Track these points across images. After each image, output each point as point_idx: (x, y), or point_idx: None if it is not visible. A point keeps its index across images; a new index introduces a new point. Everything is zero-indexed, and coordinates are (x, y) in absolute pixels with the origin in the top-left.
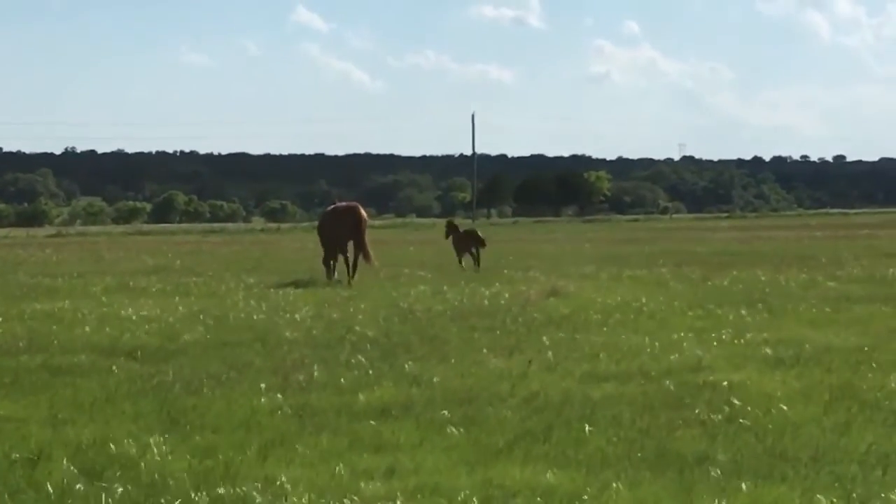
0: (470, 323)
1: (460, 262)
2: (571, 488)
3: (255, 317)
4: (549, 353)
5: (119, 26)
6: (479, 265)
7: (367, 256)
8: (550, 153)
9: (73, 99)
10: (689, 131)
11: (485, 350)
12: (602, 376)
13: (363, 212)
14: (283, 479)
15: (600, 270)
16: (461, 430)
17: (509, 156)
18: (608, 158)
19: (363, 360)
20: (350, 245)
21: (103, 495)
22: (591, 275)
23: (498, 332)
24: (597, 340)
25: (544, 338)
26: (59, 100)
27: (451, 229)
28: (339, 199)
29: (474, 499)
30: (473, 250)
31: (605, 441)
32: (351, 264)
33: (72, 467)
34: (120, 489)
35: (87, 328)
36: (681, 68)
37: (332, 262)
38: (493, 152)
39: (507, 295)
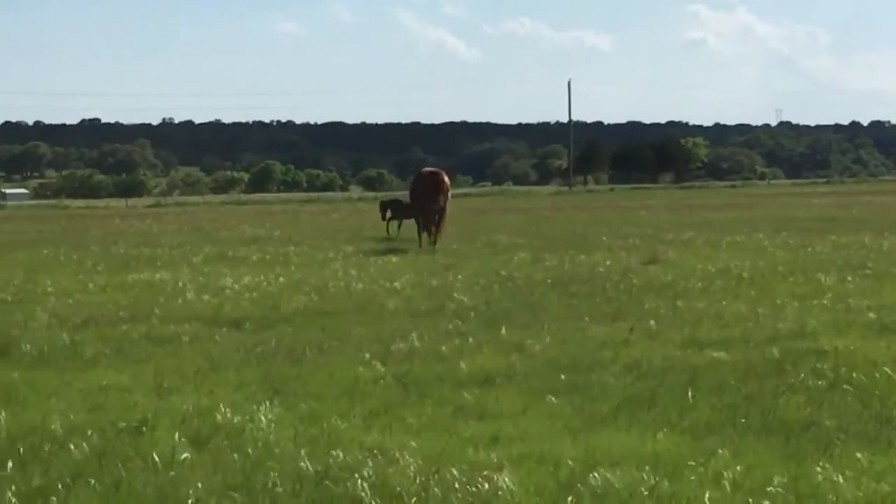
0: (570, 290)
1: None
2: (676, 455)
3: (354, 286)
4: (651, 321)
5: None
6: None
7: (440, 221)
8: (647, 120)
9: (170, 70)
10: (785, 96)
11: (585, 318)
12: (704, 343)
13: (445, 178)
14: (390, 446)
15: (699, 237)
16: (564, 397)
17: (605, 123)
18: (705, 125)
19: (464, 328)
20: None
21: (211, 463)
22: (689, 241)
23: (598, 300)
24: (698, 307)
25: (645, 305)
26: (157, 71)
27: (390, 206)
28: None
29: (579, 466)
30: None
31: (709, 408)
32: (435, 230)
33: (178, 436)
34: (226, 458)
35: (189, 298)
36: (777, 32)
37: (420, 228)
38: (589, 119)
39: (606, 262)
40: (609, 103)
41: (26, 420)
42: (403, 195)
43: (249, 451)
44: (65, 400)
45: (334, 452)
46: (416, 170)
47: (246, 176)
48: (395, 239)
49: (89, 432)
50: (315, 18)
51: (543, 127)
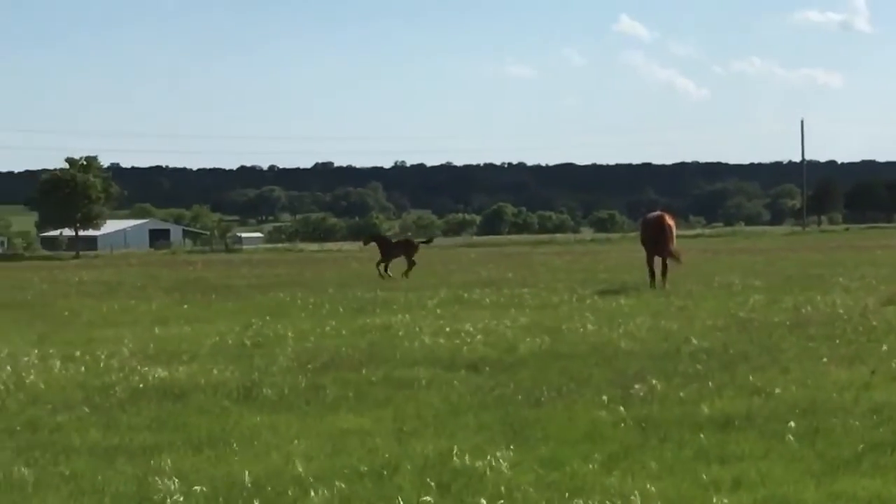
0: (808, 332)
1: (385, 268)
2: None
3: (589, 328)
4: (893, 363)
5: (444, 41)
6: (408, 271)
7: (669, 259)
8: (881, 158)
9: (402, 113)
10: None
11: (824, 359)
12: None
13: (669, 221)
14: (630, 491)
15: None
16: (805, 441)
17: (838, 161)
18: None
19: (703, 370)
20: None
21: None
22: None
23: (837, 342)
24: None
25: (884, 346)
26: (389, 114)
27: (376, 239)
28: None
29: None
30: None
31: None
32: (659, 272)
33: (422, 480)
34: (469, 503)
35: (426, 341)
36: None
37: (650, 268)
38: (822, 158)
39: (844, 303)
40: (842, 141)
41: (270, 464)
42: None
43: (490, 496)
44: (307, 443)
45: (575, 497)
46: (647, 211)
47: (477, 218)
48: (385, 278)
49: (333, 478)
50: (546, 62)
51: (776, 166)
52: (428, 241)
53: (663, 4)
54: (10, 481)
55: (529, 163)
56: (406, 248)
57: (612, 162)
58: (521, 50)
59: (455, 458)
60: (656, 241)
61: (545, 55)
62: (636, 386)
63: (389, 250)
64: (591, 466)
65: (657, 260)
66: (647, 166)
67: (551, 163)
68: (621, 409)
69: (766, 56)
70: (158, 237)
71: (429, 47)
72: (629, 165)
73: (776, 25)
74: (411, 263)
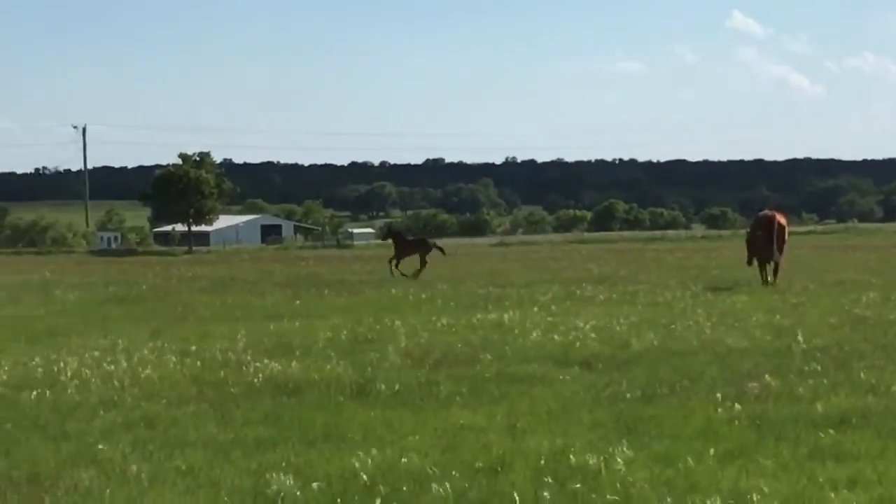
0: None
1: (396, 265)
2: None
3: (702, 325)
4: None
5: (556, 39)
6: (421, 270)
7: (777, 263)
8: None
9: (513, 109)
10: None
11: None
12: None
13: (781, 220)
14: (746, 489)
15: None
16: None
17: None
18: None
19: (818, 368)
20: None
21: None
22: None
23: None
24: None
25: None
26: (500, 110)
27: (393, 235)
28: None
29: None
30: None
31: None
32: (770, 270)
33: (537, 477)
34: (586, 500)
35: (538, 337)
36: None
37: (756, 264)
38: None
39: None
40: None
41: (385, 459)
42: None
43: (607, 493)
44: (421, 439)
45: (691, 495)
46: (760, 208)
47: (588, 214)
48: (395, 276)
49: (448, 473)
50: (658, 58)
51: (890, 163)
52: (442, 250)
53: (776, 1)
54: (127, 476)
55: (640, 159)
56: (419, 248)
57: (724, 158)
58: (632, 46)
59: (570, 456)
60: (766, 240)
61: (657, 51)
62: (750, 383)
63: (403, 248)
64: (706, 464)
65: (767, 257)
66: (759, 163)
67: (662, 159)
68: (736, 406)
69: (880, 52)
70: (270, 233)
71: (540, 44)
72: (741, 162)
73: (890, 22)
74: (423, 263)
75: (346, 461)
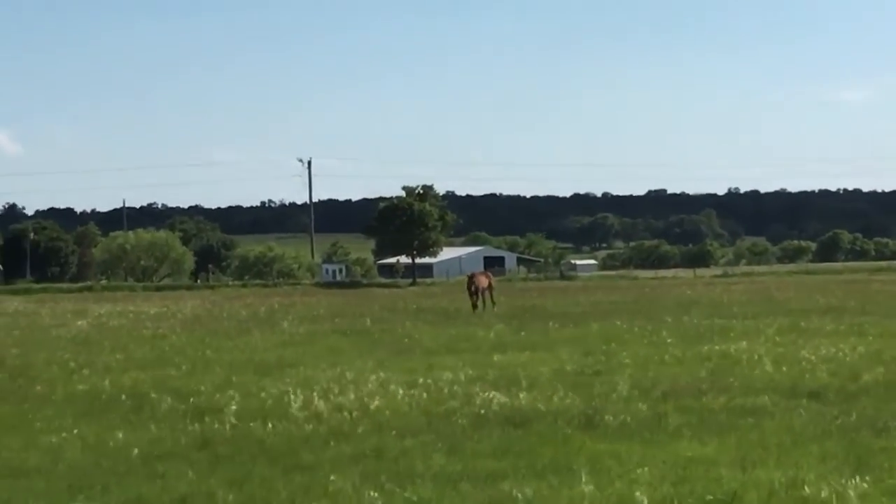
0: None
1: (474, 305)
2: None
3: None
4: None
5: (777, 64)
6: (483, 305)
7: None
8: None
9: (736, 140)
10: None
11: None
12: None
13: None
14: None
15: None
16: None
17: None
18: None
19: None
20: None
21: None
22: None
23: None
24: None
25: None
26: (722, 141)
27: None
28: None
29: None
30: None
31: None
32: None
33: None
34: None
35: (766, 369)
36: None
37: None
38: None
39: None
40: None
41: (613, 492)
42: None
43: None
44: (650, 471)
45: None
46: None
47: (813, 245)
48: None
49: None
50: (882, 86)
51: None
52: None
53: None
54: None
55: (865, 189)
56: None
57: None
58: (856, 74)
59: (803, 489)
60: None
61: (881, 79)
62: None
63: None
64: None
65: None
66: None
67: (887, 189)
68: None
69: None
70: (493, 264)
71: (762, 73)
72: None
73: None
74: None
75: (575, 493)
